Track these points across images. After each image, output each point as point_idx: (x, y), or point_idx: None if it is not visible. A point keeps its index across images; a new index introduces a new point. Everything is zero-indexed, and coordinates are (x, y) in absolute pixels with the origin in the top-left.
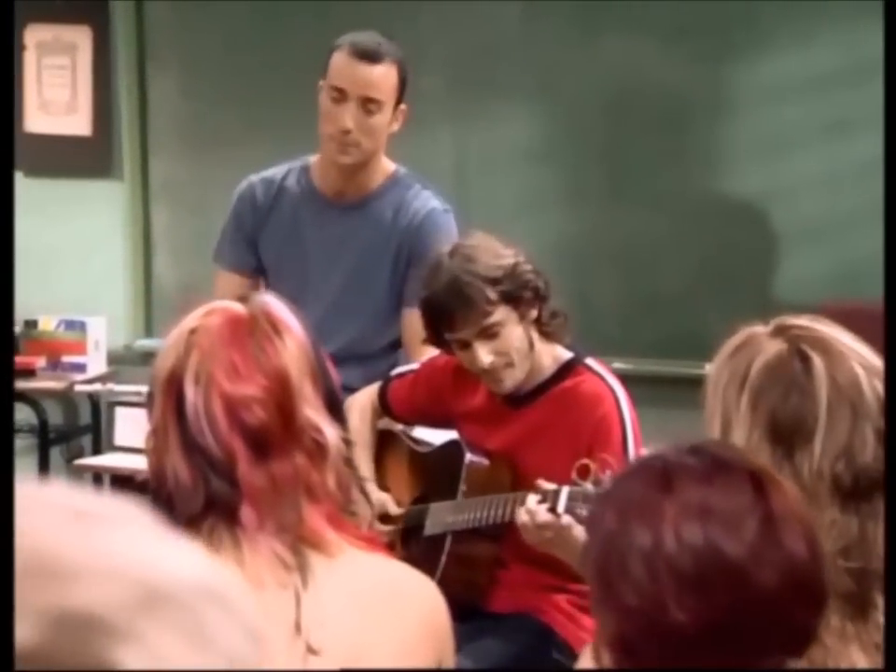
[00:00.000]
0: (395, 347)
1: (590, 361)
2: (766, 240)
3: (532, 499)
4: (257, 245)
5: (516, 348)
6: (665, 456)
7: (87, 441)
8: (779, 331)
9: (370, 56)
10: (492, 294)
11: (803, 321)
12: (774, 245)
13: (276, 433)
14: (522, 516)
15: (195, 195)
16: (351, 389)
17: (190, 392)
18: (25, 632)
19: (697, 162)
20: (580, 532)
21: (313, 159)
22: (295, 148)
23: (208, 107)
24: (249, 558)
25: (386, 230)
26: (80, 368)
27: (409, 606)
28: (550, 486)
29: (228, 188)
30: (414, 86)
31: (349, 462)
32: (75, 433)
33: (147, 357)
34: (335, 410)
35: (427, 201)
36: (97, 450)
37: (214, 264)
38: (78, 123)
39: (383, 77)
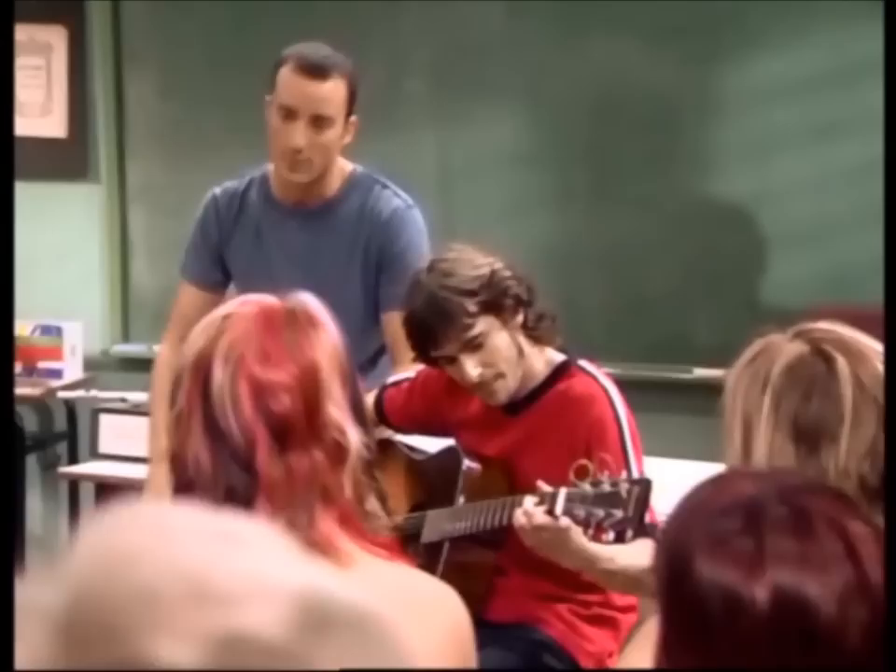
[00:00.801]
0: (378, 356)
1: (582, 362)
2: (755, 243)
3: (529, 501)
4: (223, 259)
5: (504, 357)
6: (754, 495)
7: (63, 447)
8: (799, 335)
9: (317, 72)
10: (471, 306)
11: (822, 324)
12: (762, 249)
13: (299, 425)
14: (519, 518)
15: (173, 198)
16: None
17: (218, 372)
18: (186, 655)
19: (685, 165)
20: (577, 534)
21: (272, 167)
22: None
23: (187, 109)
24: None
25: (351, 237)
26: (57, 374)
27: (432, 617)
28: (547, 488)
29: (207, 189)
30: (397, 88)
31: (369, 470)
32: (51, 440)
33: (125, 362)
34: (359, 416)
35: (389, 200)
36: (73, 457)
37: (180, 276)
38: (54, 125)
39: (332, 92)
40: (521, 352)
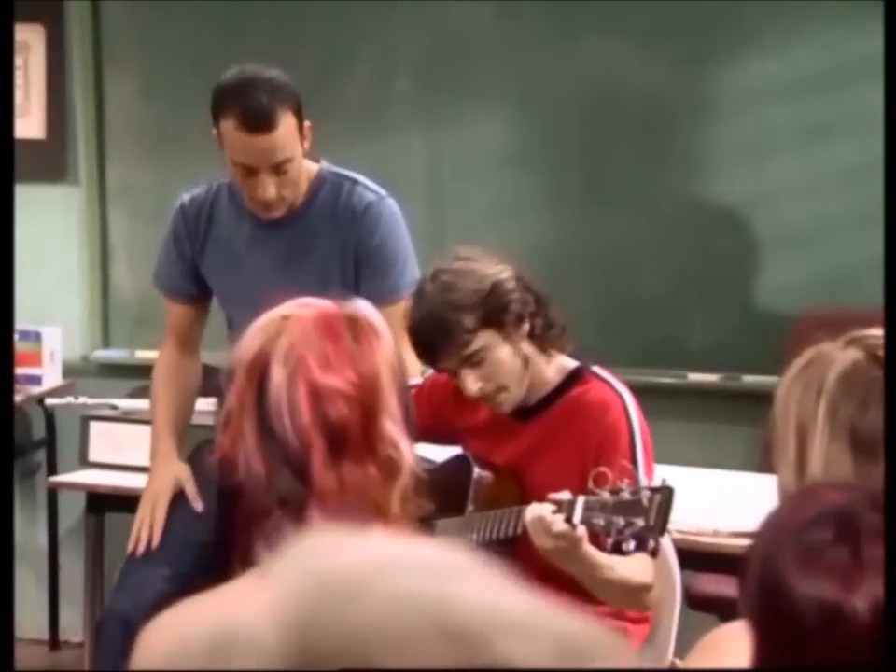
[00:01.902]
0: None
1: (596, 369)
2: (749, 245)
3: (546, 508)
4: (198, 270)
5: (506, 371)
6: (844, 505)
7: (41, 455)
8: (852, 342)
9: (264, 126)
10: (470, 322)
11: (875, 331)
12: (756, 251)
13: (355, 435)
14: (534, 522)
15: (155, 201)
16: None
17: (277, 373)
18: None
19: (678, 166)
20: (589, 547)
21: None
22: None
23: (168, 109)
24: None
25: (325, 239)
26: (35, 380)
27: None
28: (562, 497)
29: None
30: (386, 89)
31: (419, 489)
32: (30, 448)
33: (105, 368)
34: (411, 431)
35: (362, 196)
36: (52, 466)
37: (155, 289)
38: (31, 126)
39: (283, 136)
40: (526, 362)
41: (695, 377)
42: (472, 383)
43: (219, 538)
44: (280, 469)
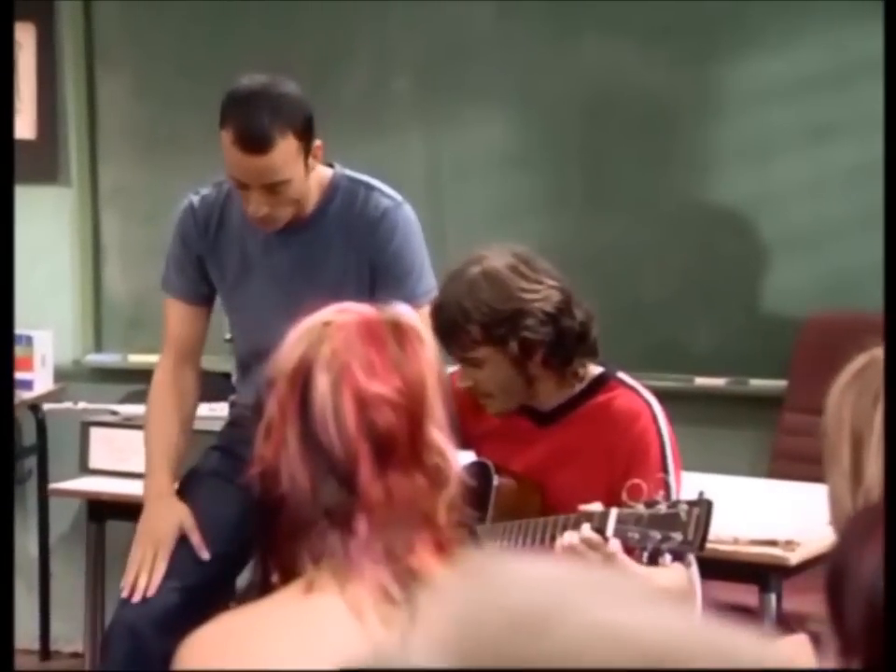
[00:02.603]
0: None
1: (622, 375)
2: (752, 248)
3: (586, 525)
4: (206, 271)
5: (498, 385)
6: None
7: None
8: None
9: (258, 147)
10: (476, 334)
11: None
12: (760, 254)
13: (401, 444)
14: (570, 538)
15: (148, 202)
16: None
17: (321, 381)
18: None
19: (680, 167)
20: (624, 560)
21: None
22: None
23: (162, 109)
24: (353, 586)
25: (339, 245)
26: (26, 385)
27: None
28: (596, 508)
29: (183, 193)
30: (384, 88)
31: (465, 497)
32: (20, 455)
33: (98, 372)
34: (455, 440)
35: (377, 202)
36: (43, 472)
37: (162, 291)
38: (22, 126)
39: (279, 159)
40: (531, 382)
41: (701, 381)
42: (464, 378)
43: (236, 548)
44: (325, 480)
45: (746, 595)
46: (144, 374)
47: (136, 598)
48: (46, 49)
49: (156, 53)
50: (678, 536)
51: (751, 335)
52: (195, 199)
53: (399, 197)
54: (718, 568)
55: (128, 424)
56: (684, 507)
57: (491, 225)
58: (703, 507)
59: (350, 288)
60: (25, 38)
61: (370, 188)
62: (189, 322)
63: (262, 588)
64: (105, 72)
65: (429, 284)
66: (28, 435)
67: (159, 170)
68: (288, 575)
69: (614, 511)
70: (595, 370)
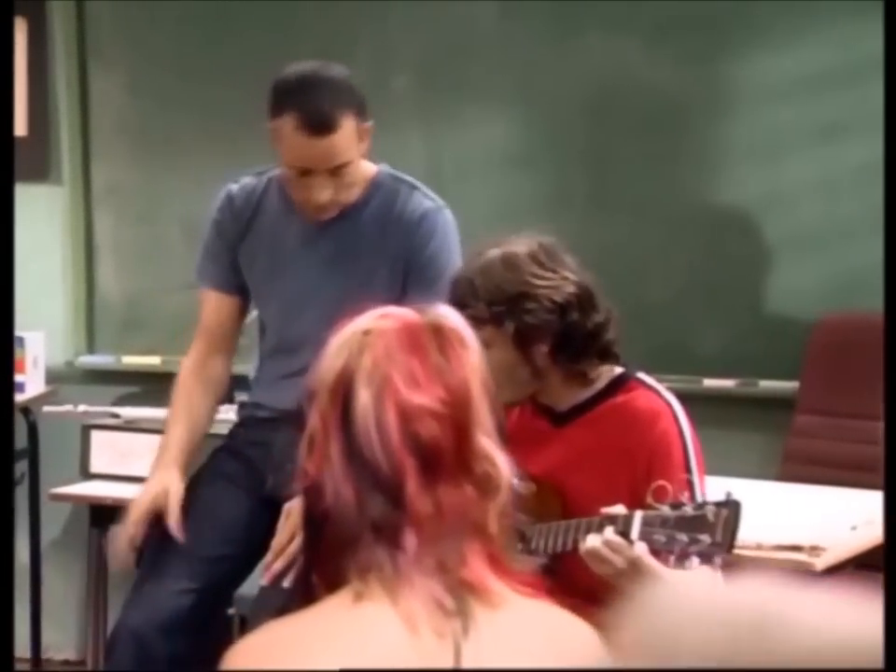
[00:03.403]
0: None
1: (642, 375)
2: (759, 248)
3: (609, 529)
4: (238, 258)
5: (504, 372)
6: None
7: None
8: None
9: (325, 129)
10: (481, 313)
11: None
12: (767, 254)
13: (448, 455)
14: (595, 542)
15: (142, 201)
16: None
17: (363, 395)
18: None
19: (686, 167)
20: (648, 558)
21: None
22: (251, 150)
23: (157, 105)
24: (404, 597)
25: (376, 242)
26: (18, 387)
27: (578, 658)
28: (620, 511)
29: (177, 193)
30: (384, 87)
31: (517, 504)
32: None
33: (90, 374)
34: (504, 444)
35: (420, 203)
36: (35, 476)
37: (198, 282)
38: None
39: (343, 138)
40: (538, 375)
41: (710, 383)
42: None
43: (243, 551)
44: (371, 495)
45: None
46: (138, 376)
47: (113, 566)
48: (37, 44)
49: (150, 50)
50: (705, 538)
51: (760, 336)
52: (234, 187)
53: (440, 200)
54: (741, 574)
55: (130, 427)
56: (711, 508)
57: (492, 226)
58: (731, 508)
59: (380, 285)
60: (17, 34)
61: (412, 187)
62: (220, 311)
63: (305, 600)
64: (98, 69)
65: None
66: (19, 438)
67: (153, 168)
68: (332, 589)
69: (639, 514)
70: (614, 370)
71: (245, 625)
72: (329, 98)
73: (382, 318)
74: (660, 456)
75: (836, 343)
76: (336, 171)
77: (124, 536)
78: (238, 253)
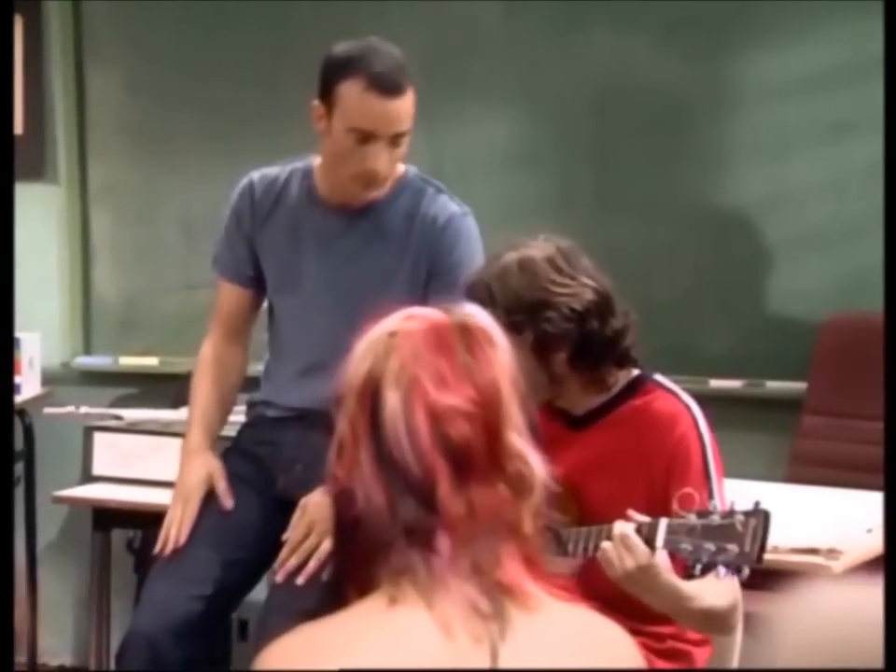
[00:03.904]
0: None
1: (659, 377)
2: (766, 248)
3: (630, 528)
4: (255, 250)
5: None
6: None
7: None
8: None
9: (396, 90)
10: (500, 318)
11: None
12: (774, 254)
13: (480, 455)
14: (616, 549)
15: (139, 200)
16: None
17: (391, 398)
18: None
19: (692, 166)
20: (668, 570)
21: (316, 162)
22: (249, 149)
23: (154, 104)
24: (440, 601)
25: (399, 242)
26: (14, 388)
27: (613, 661)
28: (644, 518)
29: (175, 192)
30: None
31: (552, 503)
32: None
33: (86, 375)
34: (537, 442)
35: (445, 206)
36: (30, 478)
37: (213, 272)
38: None
39: (409, 105)
40: (557, 381)
41: (717, 384)
42: None
43: (257, 555)
44: (403, 499)
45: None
46: (135, 378)
47: (168, 550)
48: (34, 42)
49: (147, 48)
50: (733, 548)
51: (767, 337)
52: (256, 176)
53: (465, 206)
54: (756, 578)
55: (133, 429)
56: (740, 517)
57: (496, 225)
58: (760, 517)
59: (400, 285)
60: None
61: (439, 191)
62: (235, 301)
63: (336, 605)
64: (95, 67)
65: None
66: (15, 440)
67: (150, 168)
68: (363, 594)
69: (664, 522)
70: (630, 372)
71: (245, 629)
72: (396, 63)
73: (408, 319)
74: (679, 461)
75: (844, 344)
76: (396, 140)
77: (178, 522)
78: (255, 243)
